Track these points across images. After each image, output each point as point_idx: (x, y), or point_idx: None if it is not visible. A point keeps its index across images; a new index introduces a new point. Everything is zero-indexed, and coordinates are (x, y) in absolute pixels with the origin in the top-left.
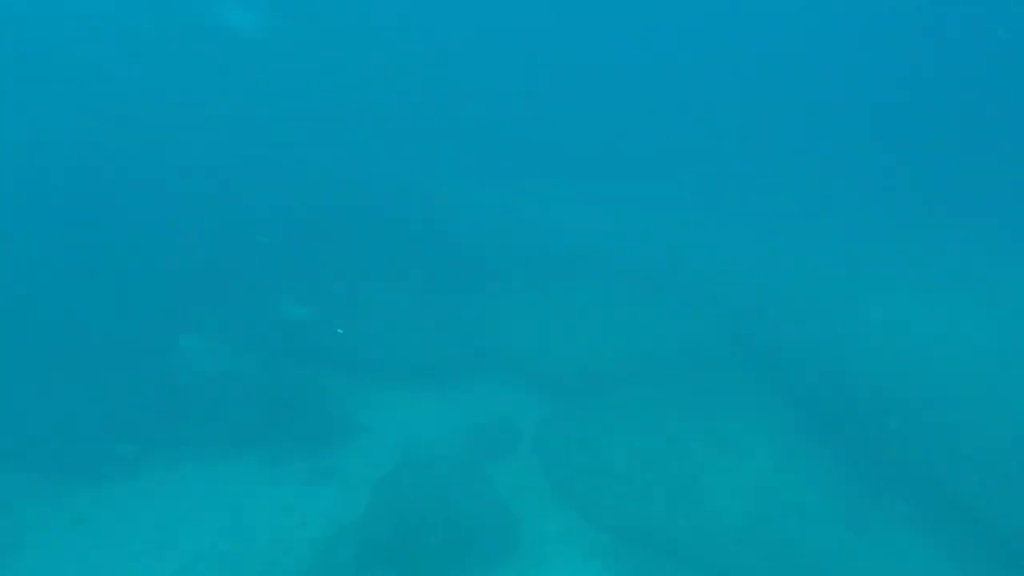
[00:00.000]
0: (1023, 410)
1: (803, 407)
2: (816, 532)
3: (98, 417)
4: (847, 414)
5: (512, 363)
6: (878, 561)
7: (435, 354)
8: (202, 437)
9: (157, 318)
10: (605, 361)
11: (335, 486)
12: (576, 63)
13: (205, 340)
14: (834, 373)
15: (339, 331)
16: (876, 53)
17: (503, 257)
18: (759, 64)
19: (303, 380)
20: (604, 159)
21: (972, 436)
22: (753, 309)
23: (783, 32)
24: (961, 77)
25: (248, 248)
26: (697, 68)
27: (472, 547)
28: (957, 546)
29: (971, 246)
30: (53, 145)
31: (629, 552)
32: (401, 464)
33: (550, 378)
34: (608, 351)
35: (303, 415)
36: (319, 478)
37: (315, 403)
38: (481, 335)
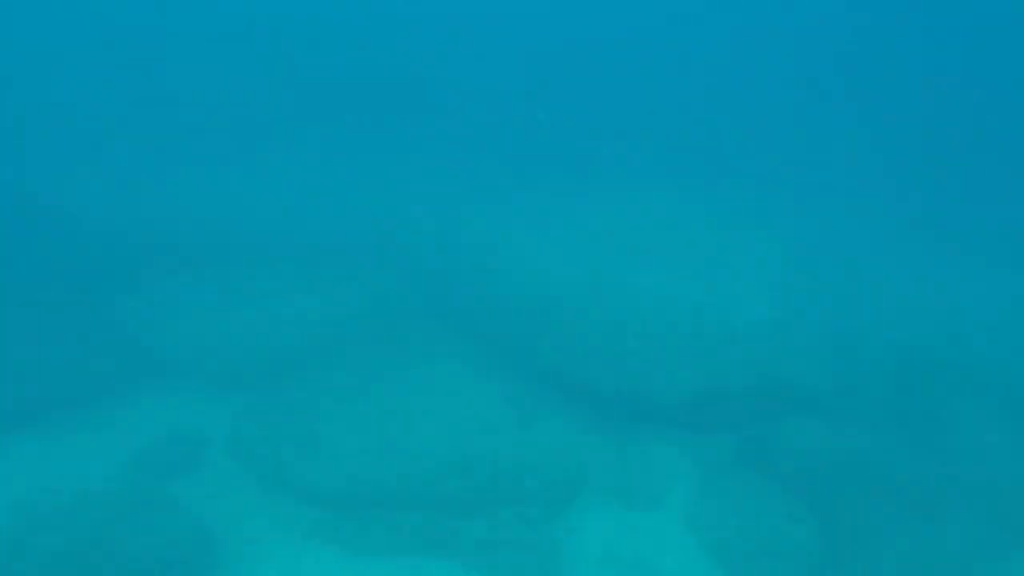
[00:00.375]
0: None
1: (492, 344)
2: (499, 437)
3: None
4: (523, 343)
5: (186, 365)
6: (550, 454)
7: (81, 372)
8: None
9: None
10: (295, 342)
11: None
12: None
13: None
14: (511, 313)
15: None
16: None
17: (153, 246)
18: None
19: None
20: (252, 124)
21: (630, 352)
22: (436, 266)
23: None
24: None
25: None
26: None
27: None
28: (602, 425)
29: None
30: None
31: (351, 518)
32: (47, 514)
33: (234, 372)
34: (296, 331)
35: None
36: None
37: None
38: (140, 339)
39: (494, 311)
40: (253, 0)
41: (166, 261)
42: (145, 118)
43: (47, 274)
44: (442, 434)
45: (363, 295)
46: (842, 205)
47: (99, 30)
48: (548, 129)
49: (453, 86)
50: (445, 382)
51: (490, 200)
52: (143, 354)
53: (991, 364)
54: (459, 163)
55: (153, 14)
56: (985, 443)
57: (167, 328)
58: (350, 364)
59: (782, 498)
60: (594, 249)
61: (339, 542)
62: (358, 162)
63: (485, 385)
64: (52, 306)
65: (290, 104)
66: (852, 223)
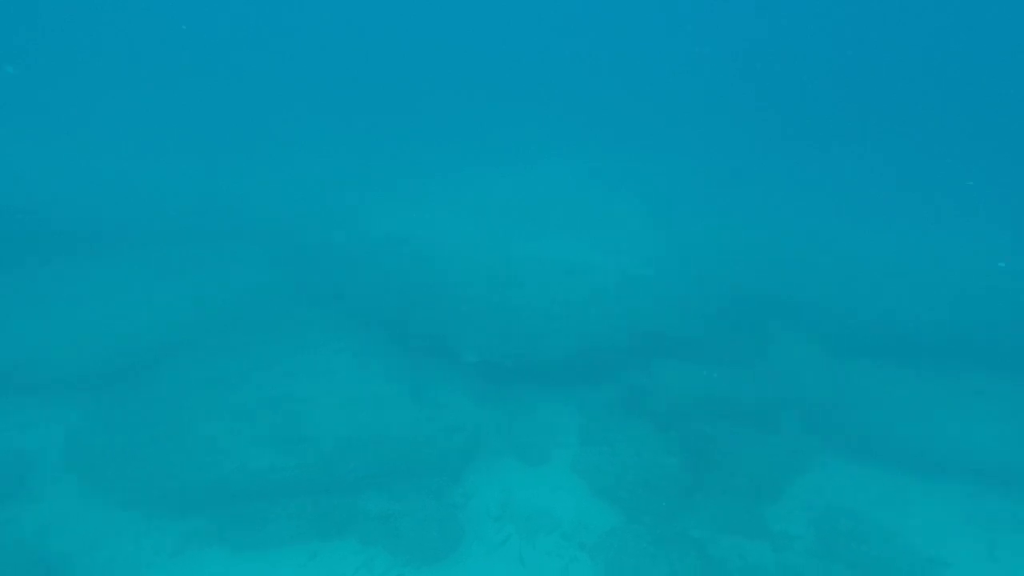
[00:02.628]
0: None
1: (376, 321)
2: (390, 413)
3: None
4: (406, 317)
5: (34, 365)
6: (443, 423)
7: None
8: None
9: None
10: (163, 334)
11: None
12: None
13: None
14: (392, 289)
15: None
16: None
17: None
18: None
19: None
20: (115, 103)
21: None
22: (311, 248)
23: None
24: None
25: None
26: None
27: None
28: (492, 389)
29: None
30: None
31: (238, 514)
32: None
33: (95, 372)
34: (164, 321)
35: None
36: None
37: None
38: None
39: (374, 289)
40: None
41: (17, 248)
42: None
43: None
44: (331, 416)
45: (235, 282)
46: (696, 172)
47: None
48: (426, 110)
49: (336, 70)
50: (330, 364)
51: (364, 180)
52: None
53: (809, 302)
54: (336, 145)
55: None
56: (803, 367)
57: (11, 323)
58: (226, 353)
59: (656, 435)
60: (471, 221)
61: (226, 542)
62: (228, 145)
63: (372, 363)
64: None
65: (163, 86)
66: (703, 188)
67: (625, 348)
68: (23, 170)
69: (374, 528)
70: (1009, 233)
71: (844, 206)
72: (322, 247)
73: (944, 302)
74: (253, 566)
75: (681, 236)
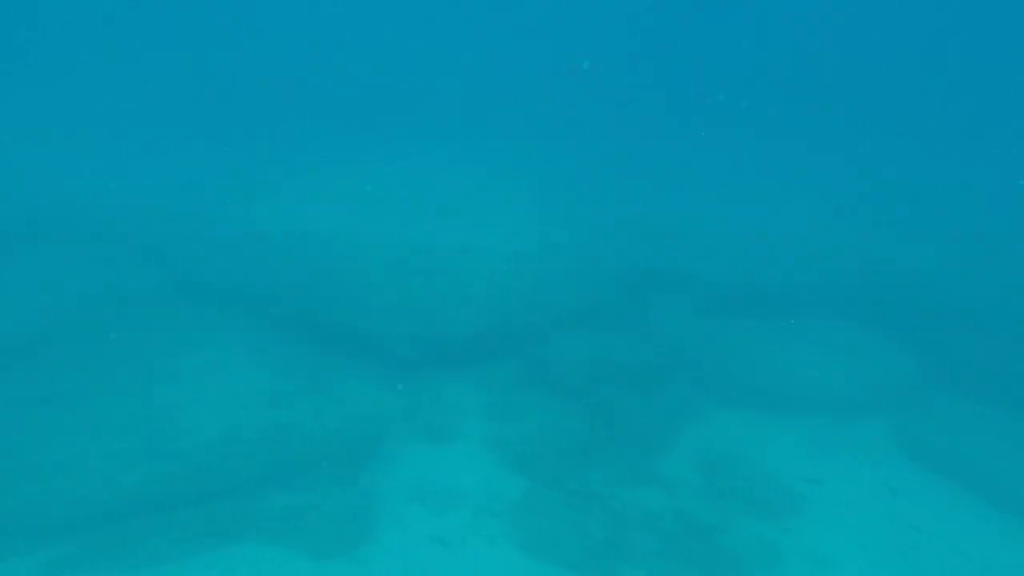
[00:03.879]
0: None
1: (267, 315)
2: (290, 407)
3: None
4: (300, 308)
5: None
6: (347, 412)
7: None
8: None
9: None
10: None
11: None
12: None
13: None
14: (283, 281)
15: None
16: None
17: None
18: None
19: None
20: None
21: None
22: (188, 245)
23: None
24: None
25: None
26: None
27: None
28: (394, 375)
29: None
30: None
31: (116, 534)
32: None
33: None
34: (9, 327)
35: None
36: None
37: None
38: None
39: (266, 283)
40: None
41: None
42: None
43: None
44: (221, 417)
45: (105, 284)
46: (577, 155)
47: None
48: (305, 102)
49: (214, 63)
50: (219, 364)
51: (249, 175)
52: None
53: (685, 269)
54: (218, 140)
55: None
56: (683, 328)
57: None
58: (90, 362)
59: (559, 403)
60: (360, 211)
61: (99, 566)
62: (100, 141)
63: (266, 359)
64: None
65: (30, 79)
66: (585, 170)
67: (524, 324)
68: None
69: (277, 527)
70: (826, 198)
71: (710, 182)
72: (207, 244)
73: (790, 262)
74: None
75: (567, 216)
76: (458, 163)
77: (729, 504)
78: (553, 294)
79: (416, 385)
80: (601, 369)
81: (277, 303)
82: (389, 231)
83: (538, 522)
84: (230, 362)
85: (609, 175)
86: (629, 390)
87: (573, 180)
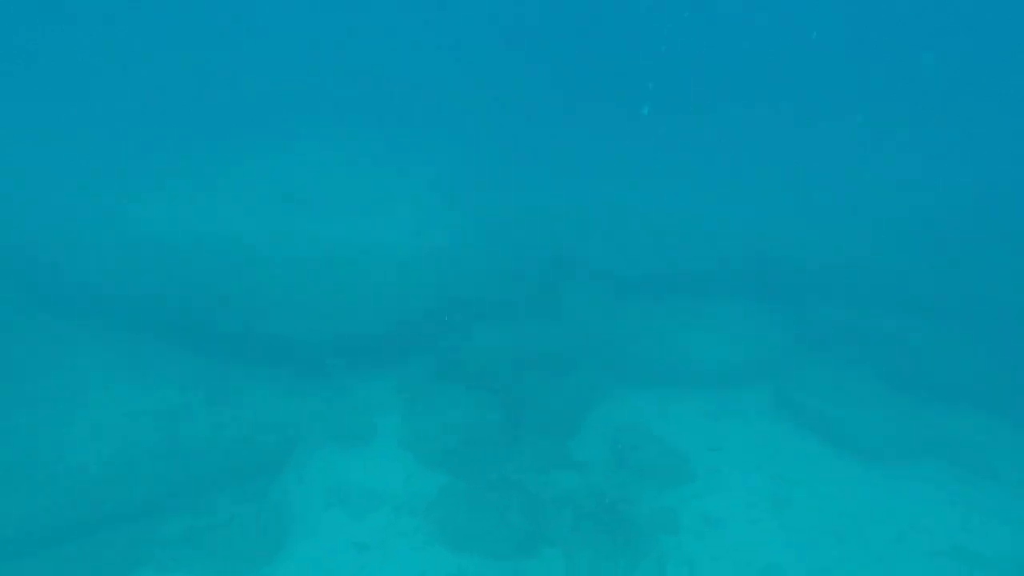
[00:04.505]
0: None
1: (140, 323)
2: (183, 423)
3: None
4: (195, 316)
5: None
6: (254, 423)
7: None
8: None
9: None
10: None
11: None
12: None
13: None
14: (174, 287)
15: None
16: None
17: None
18: None
19: None
20: None
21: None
22: (37, 249)
23: None
24: None
25: None
26: None
27: None
28: (303, 380)
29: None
30: None
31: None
32: None
33: None
34: None
35: None
36: None
37: None
38: None
39: (149, 293)
40: None
41: None
42: None
43: None
44: (99, 439)
45: None
46: (476, 147)
47: None
48: (178, 99)
49: (72, 59)
50: (94, 382)
51: (118, 178)
52: None
53: (588, 256)
54: (81, 141)
55: None
56: (589, 313)
57: None
58: None
59: (474, 395)
60: (248, 210)
61: None
62: None
63: (152, 373)
64: None
65: None
66: (485, 161)
67: (434, 318)
68: None
69: (177, 552)
70: (734, 183)
71: (614, 170)
72: (72, 253)
73: (689, 247)
74: None
75: (470, 208)
76: (356, 156)
77: (634, 476)
78: (462, 287)
79: (326, 387)
80: (514, 359)
81: (164, 311)
82: (287, 229)
83: (458, 515)
84: (110, 380)
85: (512, 165)
86: (542, 377)
87: (476, 171)
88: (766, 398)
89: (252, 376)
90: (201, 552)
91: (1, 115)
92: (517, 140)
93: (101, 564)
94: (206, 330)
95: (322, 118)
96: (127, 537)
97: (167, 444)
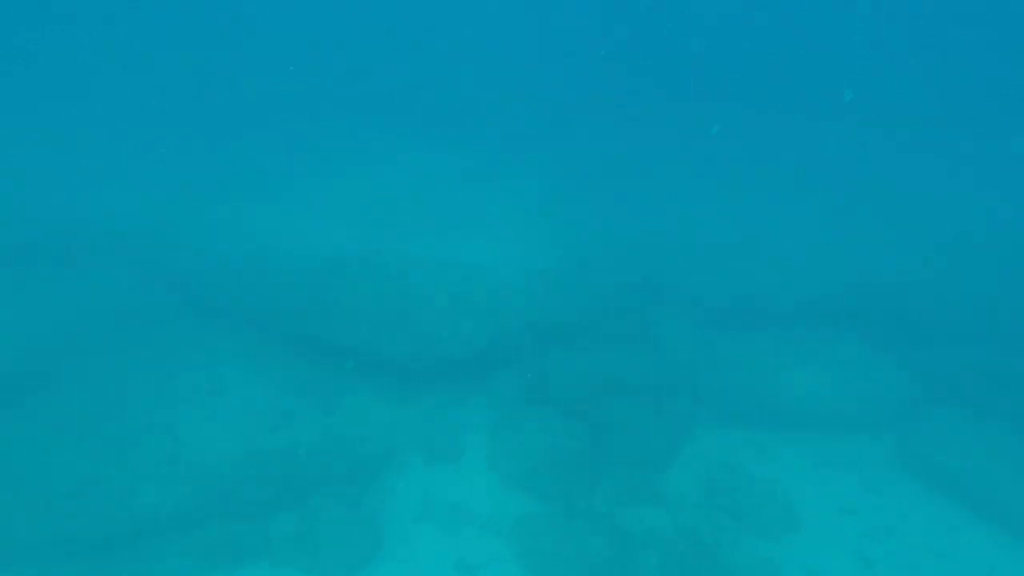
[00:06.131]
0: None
1: (272, 333)
2: (295, 426)
3: None
4: (304, 327)
5: None
6: (353, 431)
7: None
8: None
9: None
10: (11, 362)
11: None
12: None
13: None
14: (287, 298)
15: None
16: None
17: None
18: None
19: None
20: None
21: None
22: (191, 261)
23: None
24: None
25: None
26: None
27: None
28: (400, 392)
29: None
30: None
31: (123, 556)
32: None
33: None
34: (13, 348)
35: None
36: None
37: None
38: None
39: (266, 299)
40: None
41: None
42: None
43: None
44: (228, 436)
45: (104, 303)
46: (577, 168)
47: None
48: (290, 111)
49: (196, 74)
50: (223, 381)
51: (236, 187)
52: None
53: (683, 284)
54: (200, 156)
55: None
56: (682, 343)
57: None
58: (99, 380)
59: (561, 421)
60: (354, 223)
61: None
62: (85, 154)
63: (269, 376)
64: None
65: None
66: (580, 182)
67: (524, 340)
68: None
69: (288, 549)
70: (843, 213)
71: (708, 196)
72: (204, 259)
73: (793, 276)
74: None
75: (564, 230)
76: (443, 171)
77: (730, 520)
78: (554, 309)
79: (420, 402)
80: (603, 385)
81: (279, 320)
82: (384, 243)
83: (542, 541)
84: (236, 380)
85: (606, 189)
86: (631, 407)
87: (570, 194)
88: (887, 450)
89: (356, 387)
90: (308, 552)
91: (136, 139)
92: (611, 161)
93: (224, 552)
94: (312, 339)
95: (425, 132)
96: (246, 529)
97: (281, 445)
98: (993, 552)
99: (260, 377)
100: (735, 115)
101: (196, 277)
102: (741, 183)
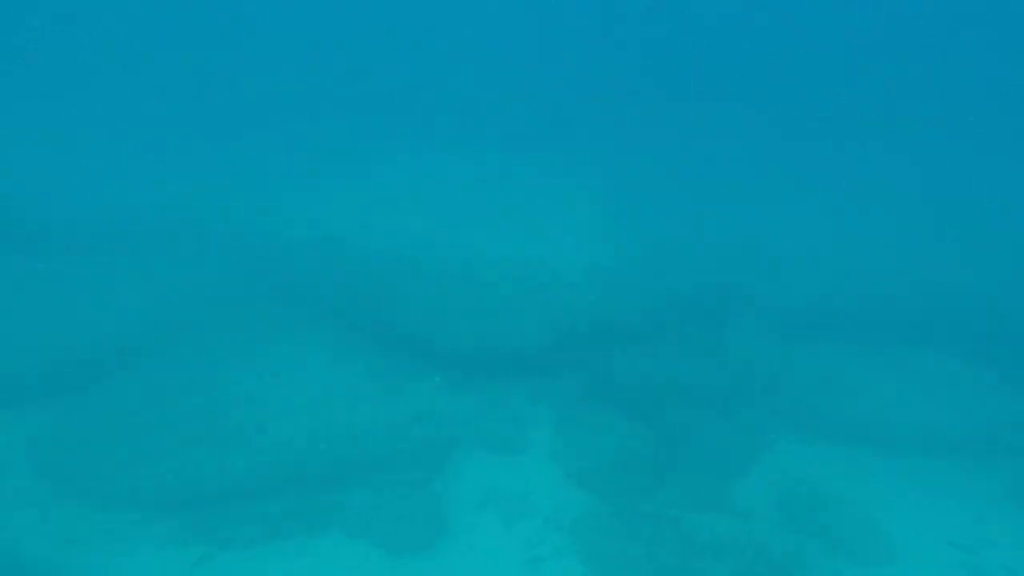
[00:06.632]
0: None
1: (344, 319)
2: (365, 408)
3: None
4: (375, 315)
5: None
6: (419, 417)
7: None
8: None
9: None
10: (124, 336)
11: None
12: None
13: None
14: (358, 286)
15: None
16: None
17: None
18: None
19: None
20: (63, 108)
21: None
22: (271, 248)
23: None
24: None
25: None
26: None
27: None
28: (464, 383)
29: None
30: None
31: (217, 513)
32: None
33: (57, 375)
34: (125, 324)
35: None
36: None
37: None
38: None
39: (339, 286)
40: None
41: None
42: None
43: None
44: (305, 413)
45: (191, 285)
46: (641, 157)
47: None
48: (367, 104)
49: (265, 70)
50: (301, 361)
51: (318, 178)
52: None
53: (761, 288)
54: (278, 146)
55: None
56: (759, 350)
57: None
58: (195, 354)
59: (622, 419)
60: (426, 215)
61: (208, 542)
62: (170, 148)
63: (343, 359)
64: None
65: (105, 90)
66: (651, 173)
67: (592, 338)
68: None
69: (358, 521)
70: (933, 219)
71: (787, 196)
72: (283, 246)
73: (880, 284)
74: (239, 564)
75: (635, 227)
76: (522, 171)
77: (809, 540)
78: (620, 309)
79: (485, 393)
80: (669, 388)
81: (351, 306)
82: (456, 236)
83: (605, 540)
84: (313, 361)
85: (679, 186)
86: (699, 412)
87: (641, 190)
88: (1003, 482)
89: (423, 375)
90: (377, 526)
91: (208, 132)
92: (685, 160)
93: (301, 519)
94: (383, 326)
95: (493, 124)
96: (320, 500)
97: (352, 424)
98: None
99: (334, 359)
100: (828, 118)
101: (277, 264)
102: (826, 185)
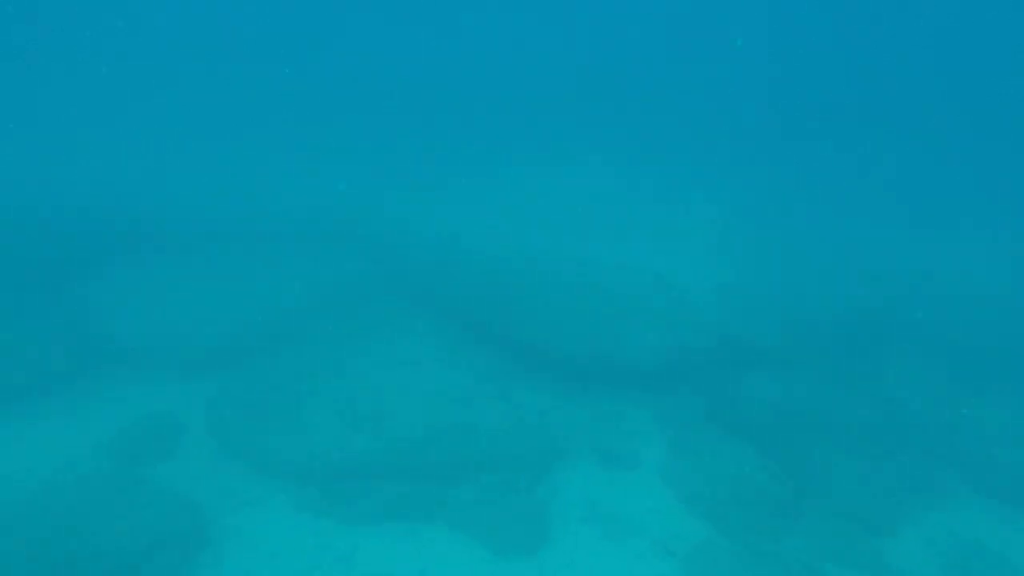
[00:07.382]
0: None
1: (464, 320)
2: (478, 408)
3: None
4: (494, 317)
5: (157, 350)
6: (529, 421)
7: (46, 359)
8: None
9: None
10: (265, 324)
11: None
12: None
13: None
14: (480, 289)
15: None
16: None
17: (117, 232)
18: None
19: None
20: (212, 112)
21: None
22: (403, 247)
23: None
24: None
25: None
26: None
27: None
28: (577, 392)
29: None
30: None
31: (338, 491)
32: (20, 503)
33: (206, 355)
34: (266, 312)
35: None
36: None
37: None
38: (107, 325)
39: (463, 288)
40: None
41: (130, 246)
42: (102, 107)
43: (6, 261)
44: (422, 407)
45: (331, 277)
46: (777, 171)
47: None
48: (488, 113)
49: (407, 77)
50: (421, 358)
51: (449, 183)
52: (110, 340)
53: (921, 321)
54: (415, 149)
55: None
56: (914, 390)
57: (135, 313)
58: (323, 343)
59: (746, 449)
60: (552, 223)
61: (329, 514)
62: (318, 150)
63: (460, 359)
64: (14, 293)
65: (249, 94)
66: (788, 188)
67: (713, 357)
68: (153, 177)
69: (463, 516)
70: None
71: (951, 219)
72: (411, 246)
73: None
74: (356, 539)
75: (769, 246)
76: (644, 174)
77: None
78: (750, 329)
79: (597, 405)
80: (803, 420)
81: (468, 307)
82: (577, 246)
83: (722, 574)
84: (429, 357)
85: (822, 202)
86: (838, 450)
87: (777, 206)
88: None
89: (534, 381)
90: (481, 524)
91: (345, 133)
92: (825, 176)
93: (412, 505)
94: (497, 330)
95: (623, 135)
96: (430, 491)
97: (463, 423)
98: None
99: (450, 357)
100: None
101: (407, 264)
102: (1004, 212)
